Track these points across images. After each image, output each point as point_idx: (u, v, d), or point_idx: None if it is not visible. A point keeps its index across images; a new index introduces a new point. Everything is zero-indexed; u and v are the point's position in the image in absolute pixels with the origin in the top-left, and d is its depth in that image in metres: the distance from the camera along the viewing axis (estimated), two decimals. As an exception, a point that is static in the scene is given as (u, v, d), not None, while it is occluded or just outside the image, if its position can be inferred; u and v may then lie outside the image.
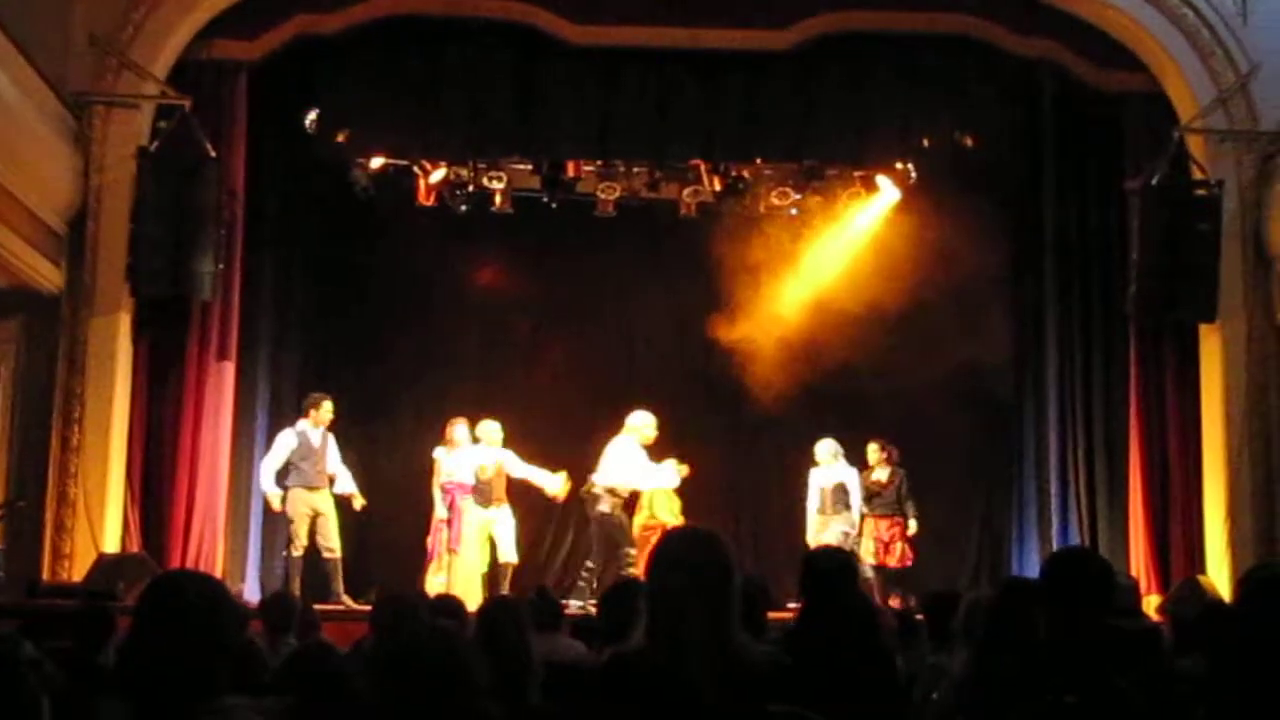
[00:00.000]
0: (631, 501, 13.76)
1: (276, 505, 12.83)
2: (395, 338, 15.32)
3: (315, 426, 12.96)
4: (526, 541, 14.41)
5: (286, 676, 5.20)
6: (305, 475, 12.84)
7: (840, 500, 13.80)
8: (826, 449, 13.96)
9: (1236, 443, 12.34)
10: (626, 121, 13.39)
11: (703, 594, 3.57)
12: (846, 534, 13.61)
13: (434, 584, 12.76)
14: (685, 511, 13.85)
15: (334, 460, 13.05)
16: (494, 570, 13.30)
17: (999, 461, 15.21)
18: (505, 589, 12.82)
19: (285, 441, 12.88)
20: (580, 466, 15.65)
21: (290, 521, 12.76)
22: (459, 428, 13.38)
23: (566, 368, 15.68)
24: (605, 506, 13.33)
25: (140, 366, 12.65)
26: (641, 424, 13.57)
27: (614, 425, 15.85)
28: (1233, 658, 3.66)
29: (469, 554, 13.11)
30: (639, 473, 13.45)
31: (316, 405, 13.00)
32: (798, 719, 3.21)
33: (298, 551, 12.72)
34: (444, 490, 13.27)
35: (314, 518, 12.79)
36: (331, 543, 12.81)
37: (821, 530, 13.79)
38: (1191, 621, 6.56)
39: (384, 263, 15.22)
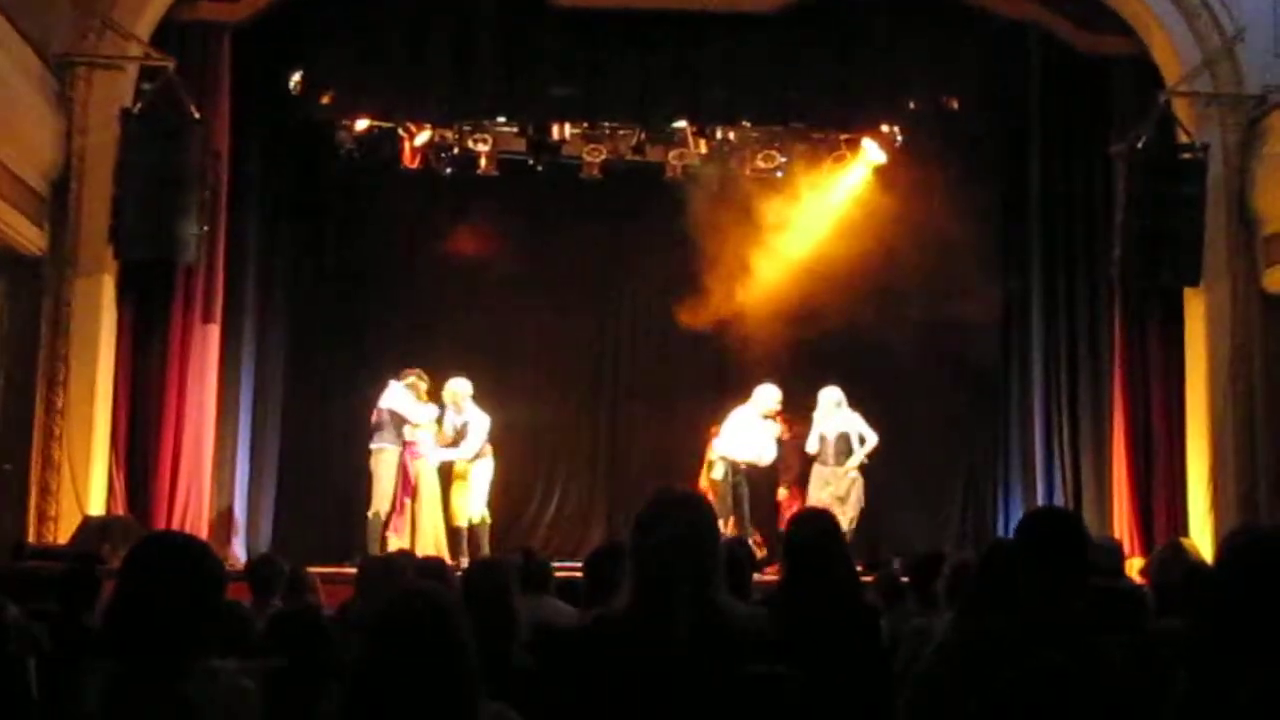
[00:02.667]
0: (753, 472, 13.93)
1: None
2: (380, 300, 15.32)
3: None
4: (512, 499, 14.48)
5: (272, 638, 5.21)
6: (395, 435, 13.04)
7: (843, 451, 13.81)
8: (831, 396, 13.93)
9: (1220, 406, 12.38)
10: (612, 84, 13.36)
11: (686, 555, 3.58)
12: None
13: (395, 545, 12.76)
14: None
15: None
16: (470, 530, 13.31)
17: (984, 424, 15.25)
18: (485, 548, 12.86)
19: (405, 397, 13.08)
20: (562, 429, 15.70)
21: (376, 482, 12.98)
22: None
23: (551, 330, 15.70)
24: (717, 474, 13.66)
25: (124, 329, 12.60)
26: (760, 398, 13.75)
27: (596, 389, 15.88)
28: (1212, 620, 3.68)
29: (427, 513, 13.11)
30: (742, 446, 13.64)
31: (422, 377, 13.24)
32: (779, 679, 3.22)
33: (384, 514, 12.93)
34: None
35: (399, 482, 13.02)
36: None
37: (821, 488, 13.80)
38: (1174, 584, 6.59)
39: (369, 225, 15.20)
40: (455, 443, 13.36)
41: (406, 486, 13.07)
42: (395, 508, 13.04)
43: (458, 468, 13.36)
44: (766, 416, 13.77)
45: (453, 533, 13.24)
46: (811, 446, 13.91)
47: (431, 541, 12.82)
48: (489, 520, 13.42)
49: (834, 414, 13.83)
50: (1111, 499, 13.22)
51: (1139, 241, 12.38)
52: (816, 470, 13.82)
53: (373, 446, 13.08)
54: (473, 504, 13.34)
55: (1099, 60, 13.40)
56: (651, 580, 3.59)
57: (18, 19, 11.16)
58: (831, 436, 13.78)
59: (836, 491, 13.48)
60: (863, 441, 13.72)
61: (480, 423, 13.37)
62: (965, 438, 15.41)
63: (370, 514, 12.95)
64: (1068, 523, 4.22)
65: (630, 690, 3.53)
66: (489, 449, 13.47)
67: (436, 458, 13.28)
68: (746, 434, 13.66)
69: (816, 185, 14.92)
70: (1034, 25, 13.33)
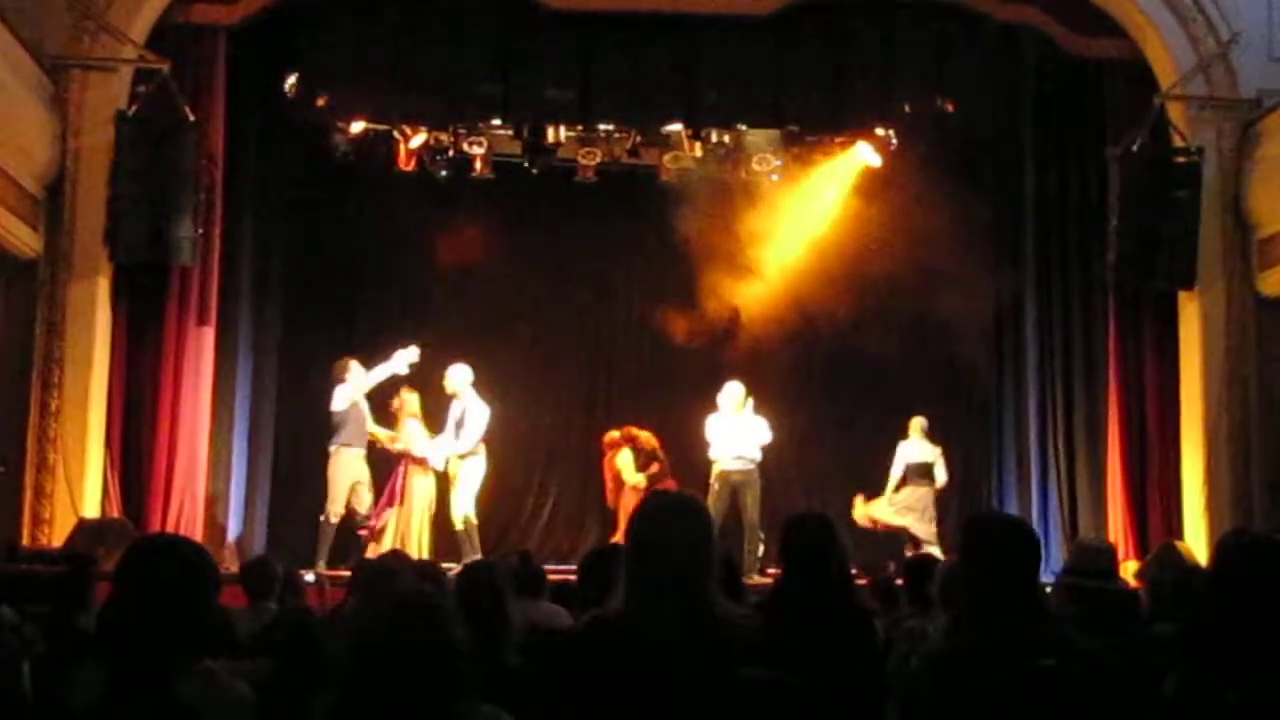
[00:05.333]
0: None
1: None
2: (375, 303, 15.32)
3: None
4: (507, 502, 14.44)
5: (265, 641, 5.20)
6: (354, 434, 12.96)
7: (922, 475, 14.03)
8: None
9: (1214, 409, 12.39)
10: (607, 87, 13.36)
11: (680, 558, 3.58)
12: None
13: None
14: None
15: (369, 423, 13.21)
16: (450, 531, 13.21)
17: (978, 427, 15.26)
18: (476, 550, 12.77)
19: (351, 387, 12.97)
20: (556, 431, 15.67)
21: (333, 485, 12.90)
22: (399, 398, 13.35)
23: (546, 333, 15.70)
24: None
25: (119, 332, 12.60)
26: (726, 396, 13.58)
27: (590, 388, 15.85)
28: (1206, 623, 3.68)
29: (415, 520, 13.08)
30: (746, 445, 13.47)
31: (347, 368, 13.08)
32: (773, 683, 3.22)
33: (336, 518, 12.86)
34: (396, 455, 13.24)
35: (355, 484, 12.95)
36: (368, 510, 13.02)
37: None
38: (1169, 588, 6.60)
39: (364, 228, 15.18)
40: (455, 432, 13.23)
41: (392, 493, 13.03)
42: (376, 513, 13.03)
43: (450, 468, 13.27)
44: (739, 410, 13.55)
45: (448, 535, 13.16)
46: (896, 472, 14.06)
47: (416, 549, 12.74)
48: (474, 521, 13.20)
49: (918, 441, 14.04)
50: (1106, 502, 13.23)
51: (1133, 245, 12.39)
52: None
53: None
54: (459, 505, 13.14)
55: (1093, 63, 13.42)
56: (646, 583, 3.59)
57: (12, 21, 11.16)
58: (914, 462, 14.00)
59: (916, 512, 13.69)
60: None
61: (479, 412, 13.19)
62: (960, 440, 15.40)
63: (321, 517, 12.94)
64: (1011, 528, 4.19)
65: (624, 693, 3.53)
66: (482, 447, 13.29)
67: (438, 456, 13.18)
68: (738, 436, 13.45)
69: (811, 188, 14.93)
70: (1029, 28, 13.32)
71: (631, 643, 3.53)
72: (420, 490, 13.12)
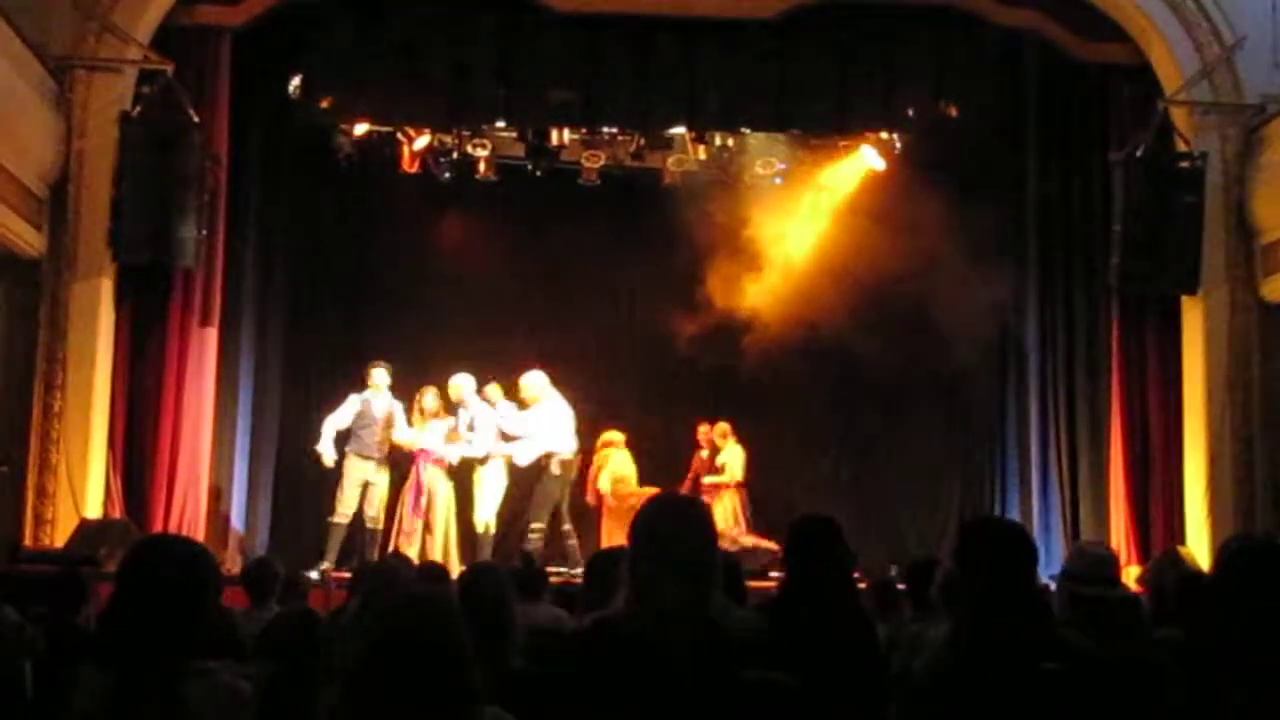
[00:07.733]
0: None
1: (329, 463, 13.00)
2: (378, 305, 15.30)
3: (377, 394, 13.17)
4: (509, 504, 14.40)
5: (268, 642, 5.20)
6: (363, 443, 13.03)
7: None
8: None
9: (1217, 415, 12.38)
10: (611, 89, 13.37)
11: (683, 561, 3.57)
12: None
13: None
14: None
15: (400, 427, 13.23)
16: (473, 536, 13.24)
17: (981, 431, 15.24)
18: (488, 555, 12.78)
19: (351, 405, 13.09)
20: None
21: (341, 488, 12.99)
22: (428, 396, 13.35)
23: (549, 335, 15.68)
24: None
25: (122, 332, 12.62)
26: (537, 388, 13.51)
27: (593, 392, 15.86)
28: (1209, 627, 3.68)
29: (439, 521, 13.09)
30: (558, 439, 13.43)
31: (368, 374, 13.24)
32: (774, 685, 3.22)
33: (342, 519, 12.93)
34: (412, 457, 13.23)
35: (365, 486, 13.01)
36: (377, 513, 13.05)
37: None
38: (1171, 593, 6.60)
39: (367, 230, 15.19)
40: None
41: (418, 495, 13.03)
42: (403, 515, 13.05)
43: (474, 476, 13.29)
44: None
45: (463, 540, 13.21)
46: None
47: (441, 549, 12.81)
48: (493, 529, 13.26)
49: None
50: (1109, 507, 13.21)
51: (1137, 250, 12.38)
52: None
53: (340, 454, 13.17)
54: (480, 510, 13.22)
55: (1098, 68, 13.42)
56: (647, 586, 3.58)
57: (17, 21, 11.17)
58: None
59: None
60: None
61: (488, 417, 13.22)
62: (962, 445, 15.40)
63: (328, 519, 13.04)
64: (1005, 532, 4.19)
65: (627, 695, 3.53)
66: (503, 459, 13.32)
67: (453, 455, 13.21)
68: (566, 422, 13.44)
69: (814, 192, 14.94)
70: (1033, 33, 13.34)
71: (634, 644, 3.52)
72: (441, 494, 13.13)
